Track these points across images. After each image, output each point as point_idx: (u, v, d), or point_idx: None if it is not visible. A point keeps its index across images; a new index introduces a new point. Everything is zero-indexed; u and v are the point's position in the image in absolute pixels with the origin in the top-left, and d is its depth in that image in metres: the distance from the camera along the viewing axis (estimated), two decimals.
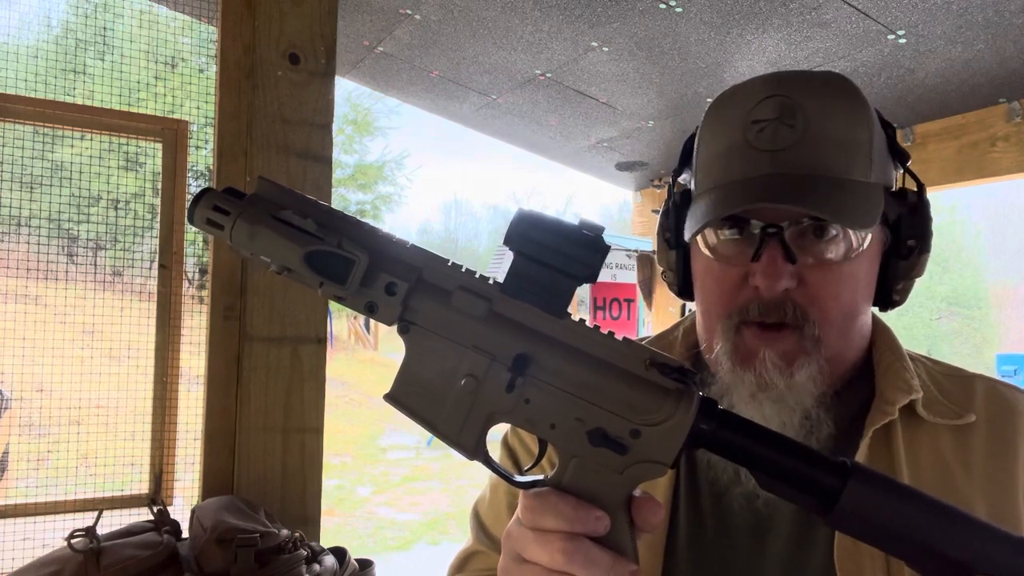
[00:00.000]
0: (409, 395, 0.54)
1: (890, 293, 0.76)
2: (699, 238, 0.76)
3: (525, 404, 0.53)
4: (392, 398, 0.55)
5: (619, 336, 0.53)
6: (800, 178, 0.69)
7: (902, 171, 0.79)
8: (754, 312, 0.71)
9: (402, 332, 0.54)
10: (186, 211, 0.58)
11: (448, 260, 0.55)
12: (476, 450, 0.53)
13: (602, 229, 0.52)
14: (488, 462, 0.55)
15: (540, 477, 0.55)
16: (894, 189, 0.76)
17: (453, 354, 0.53)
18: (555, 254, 0.52)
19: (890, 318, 0.83)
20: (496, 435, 0.58)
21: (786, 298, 0.70)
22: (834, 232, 0.70)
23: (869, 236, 0.71)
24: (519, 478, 0.56)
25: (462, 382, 0.53)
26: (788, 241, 0.69)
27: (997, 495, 0.70)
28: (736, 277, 0.73)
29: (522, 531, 0.54)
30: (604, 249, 0.51)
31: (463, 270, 0.54)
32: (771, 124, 0.71)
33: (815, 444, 0.72)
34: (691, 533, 0.76)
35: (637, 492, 0.54)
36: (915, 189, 0.77)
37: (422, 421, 0.54)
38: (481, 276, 0.54)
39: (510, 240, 0.52)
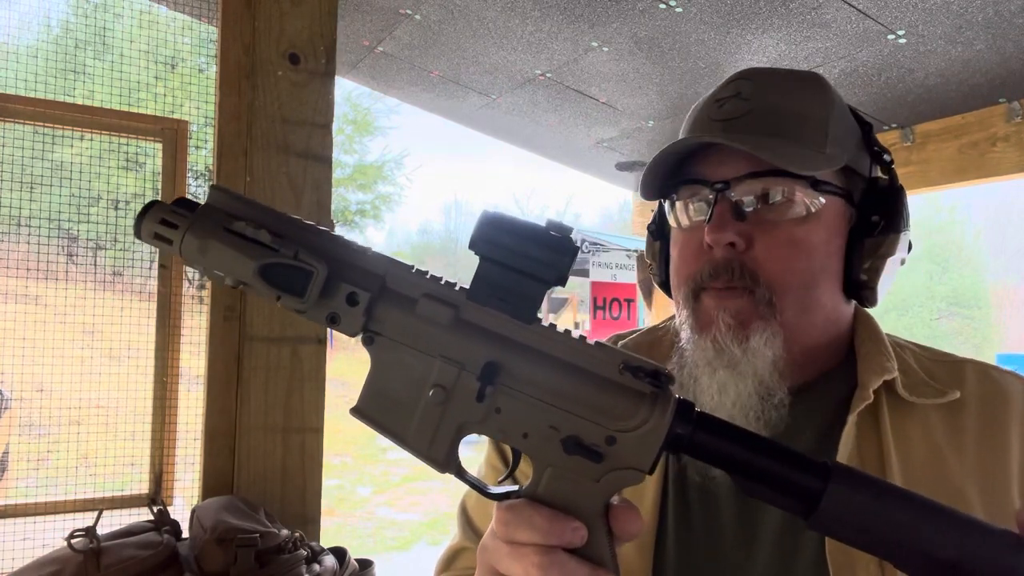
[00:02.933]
0: (376, 408, 0.52)
1: (857, 272, 0.76)
2: (670, 216, 0.81)
3: (496, 414, 0.51)
4: (358, 412, 0.53)
5: (591, 340, 0.52)
6: (744, 135, 0.73)
7: (879, 167, 0.80)
8: (706, 275, 0.73)
9: (367, 344, 0.52)
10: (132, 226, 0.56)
11: (412, 266, 0.53)
12: (447, 463, 0.52)
13: (570, 230, 0.50)
14: (461, 474, 0.53)
15: (514, 488, 0.54)
16: (867, 177, 0.78)
17: (420, 364, 0.51)
18: (522, 258, 0.50)
19: (891, 318, 0.83)
20: (472, 438, 0.56)
21: (734, 258, 0.72)
22: (782, 196, 0.72)
23: (821, 202, 0.73)
24: (492, 490, 0.54)
25: (430, 393, 0.51)
26: (738, 200, 0.73)
27: (988, 478, 0.70)
28: (695, 244, 0.76)
29: (497, 544, 0.52)
30: (573, 251, 0.49)
31: (428, 276, 0.52)
32: (729, 100, 0.76)
33: (771, 412, 0.72)
34: (680, 531, 0.76)
35: (615, 500, 0.52)
36: (896, 182, 0.78)
37: (390, 435, 0.52)
38: (447, 282, 0.52)
39: (475, 244, 0.50)
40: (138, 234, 0.53)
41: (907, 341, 0.82)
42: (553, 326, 0.52)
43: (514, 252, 0.50)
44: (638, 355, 0.51)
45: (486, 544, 0.55)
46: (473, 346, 0.51)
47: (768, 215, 0.73)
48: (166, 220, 0.52)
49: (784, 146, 0.72)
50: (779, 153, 0.70)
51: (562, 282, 0.50)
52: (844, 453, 0.70)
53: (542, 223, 0.51)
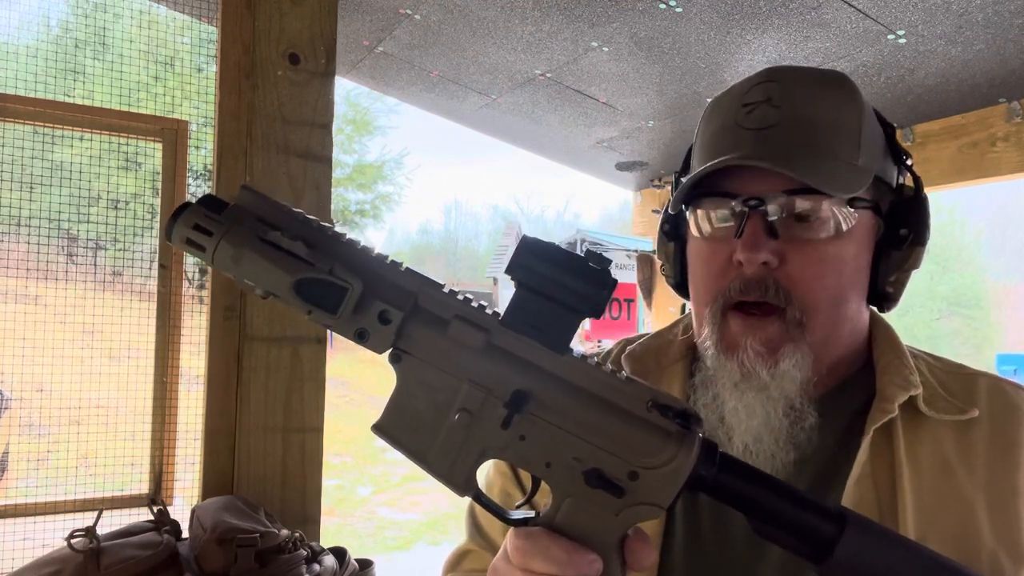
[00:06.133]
0: (398, 427, 0.52)
1: (884, 285, 0.75)
2: (691, 223, 0.77)
3: (520, 441, 0.51)
4: (380, 429, 0.52)
5: (622, 374, 0.52)
6: (780, 149, 0.70)
7: (905, 172, 0.78)
8: (735, 290, 0.71)
9: (394, 361, 0.52)
10: (164, 228, 0.54)
11: (444, 285, 0.52)
12: (467, 487, 0.52)
13: (609, 263, 0.50)
14: (479, 498, 0.53)
15: (532, 514, 0.54)
16: (893, 185, 0.76)
17: (447, 386, 0.51)
18: (559, 288, 0.50)
19: (890, 318, 0.83)
20: None
21: (767, 275, 0.70)
22: (817, 214, 0.70)
23: (855, 218, 0.71)
24: (511, 514, 0.54)
25: (455, 416, 0.51)
26: (770, 216, 0.70)
27: (998, 495, 0.69)
28: (722, 258, 0.73)
29: (510, 570, 0.52)
30: (611, 284, 0.49)
31: (460, 298, 0.52)
32: (759, 106, 0.73)
33: (800, 434, 0.71)
34: (688, 542, 0.75)
35: (630, 531, 0.52)
36: (914, 188, 0.77)
37: (411, 454, 0.52)
38: (479, 305, 0.52)
39: (513, 270, 0.50)
40: (169, 237, 0.52)
41: (919, 351, 0.81)
42: (585, 357, 0.51)
43: (552, 282, 0.50)
44: (667, 393, 0.51)
45: (498, 567, 0.54)
46: (502, 372, 0.51)
47: (801, 233, 0.71)
48: (200, 226, 0.51)
49: (822, 162, 0.69)
50: (821, 173, 0.68)
51: (598, 314, 0.50)
52: (859, 467, 0.70)
53: (581, 253, 0.50)
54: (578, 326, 0.51)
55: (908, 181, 0.78)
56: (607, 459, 0.50)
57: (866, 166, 0.71)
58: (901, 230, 0.73)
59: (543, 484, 0.54)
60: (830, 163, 0.70)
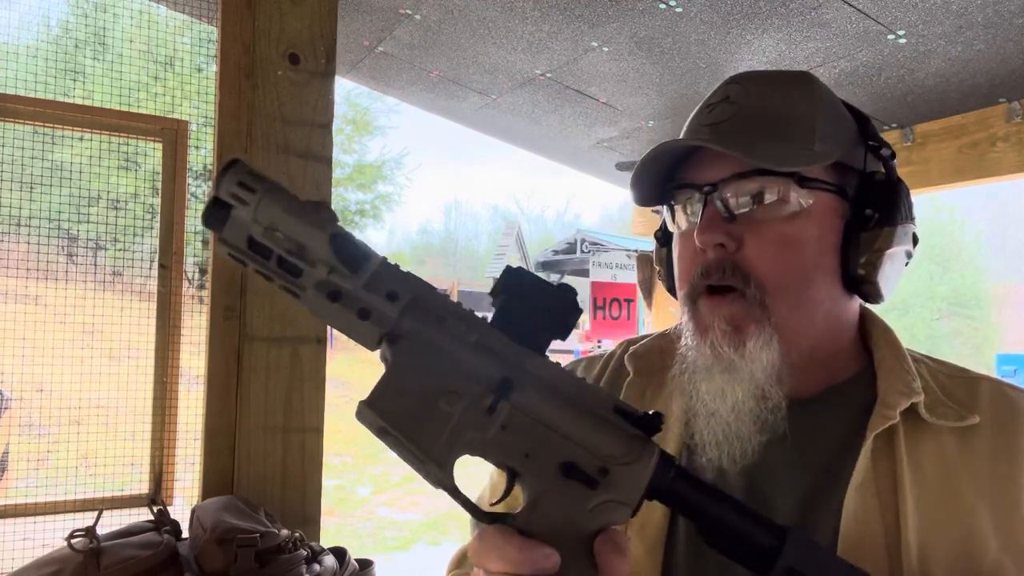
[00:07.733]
0: (385, 409, 0.53)
1: (855, 268, 0.75)
2: (669, 221, 0.82)
3: (502, 431, 0.53)
4: (368, 407, 0.53)
5: (587, 381, 0.57)
6: (731, 138, 0.74)
7: (883, 163, 0.78)
8: (698, 275, 0.75)
9: (390, 342, 0.53)
10: (213, 182, 0.58)
11: (438, 290, 0.56)
12: (445, 477, 0.52)
13: (575, 293, 0.56)
14: (455, 492, 0.54)
15: (500, 511, 0.55)
16: (863, 172, 0.77)
17: (437, 373, 0.53)
18: (534, 311, 0.55)
19: (890, 319, 0.82)
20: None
21: (725, 257, 0.73)
22: (770, 194, 0.72)
23: (811, 198, 0.73)
24: (483, 511, 0.56)
25: (443, 402, 0.53)
26: (726, 201, 0.73)
27: (1002, 502, 0.69)
28: (691, 248, 0.76)
29: (476, 571, 0.54)
30: (577, 311, 0.55)
31: (455, 303, 0.56)
32: (718, 105, 0.77)
33: (767, 415, 0.72)
34: (691, 542, 0.75)
35: (602, 541, 0.54)
36: (893, 175, 0.77)
37: (396, 435, 0.52)
38: (471, 311, 0.56)
39: (496, 294, 0.55)
40: (217, 190, 0.53)
41: (920, 354, 0.81)
42: (558, 364, 0.56)
43: (528, 304, 0.55)
44: (626, 402, 0.56)
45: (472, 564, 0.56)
46: (491, 364, 0.54)
47: (757, 215, 0.73)
48: (244, 183, 0.53)
49: (768, 147, 0.72)
50: (760, 152, 0.71)
51: (565, 336, 0.56)
52: (860, 473, 0.70)
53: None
54: (550, 343, 0.56)
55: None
56: (580, 453, 0.54)
57: (823, 151, 0.73)
58: (867, 211, 0.74)
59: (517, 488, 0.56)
60: (776, 146, 0.72)
